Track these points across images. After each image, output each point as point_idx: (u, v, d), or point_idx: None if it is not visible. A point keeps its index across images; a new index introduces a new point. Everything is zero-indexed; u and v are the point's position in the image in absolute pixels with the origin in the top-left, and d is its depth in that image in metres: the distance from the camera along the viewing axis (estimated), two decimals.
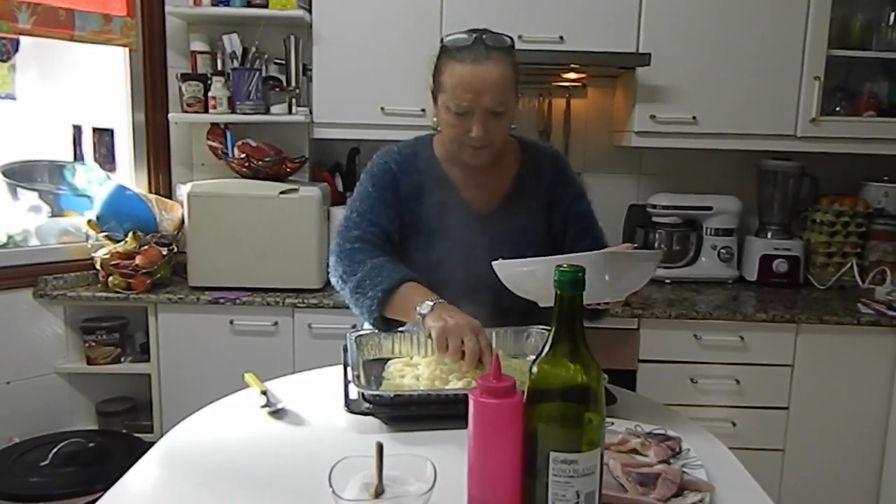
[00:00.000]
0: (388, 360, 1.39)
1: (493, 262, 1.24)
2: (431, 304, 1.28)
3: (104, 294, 2.38)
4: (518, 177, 1.56)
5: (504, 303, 1.43)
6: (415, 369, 1.32)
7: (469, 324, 1.24)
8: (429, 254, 1.50)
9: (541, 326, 1.45)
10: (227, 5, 2.49)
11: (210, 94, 2.51)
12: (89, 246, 2.47)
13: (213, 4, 2.49)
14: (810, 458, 2.38)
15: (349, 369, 1.27)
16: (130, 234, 2.43)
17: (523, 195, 1.56)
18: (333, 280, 1.51)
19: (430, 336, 1.24)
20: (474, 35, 1.41)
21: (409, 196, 1.53)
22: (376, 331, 1.45)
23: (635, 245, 1.25)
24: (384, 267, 1.40)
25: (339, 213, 2.52)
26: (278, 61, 2.62)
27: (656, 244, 2.73)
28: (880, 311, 2.35)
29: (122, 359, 2.49)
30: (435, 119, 1.53)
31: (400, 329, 1.43)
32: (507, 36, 1.44)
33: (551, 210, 1.58)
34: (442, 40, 1.45)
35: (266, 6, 2.49)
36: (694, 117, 2.52)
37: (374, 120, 2.51)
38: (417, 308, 1.29)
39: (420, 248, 1.52)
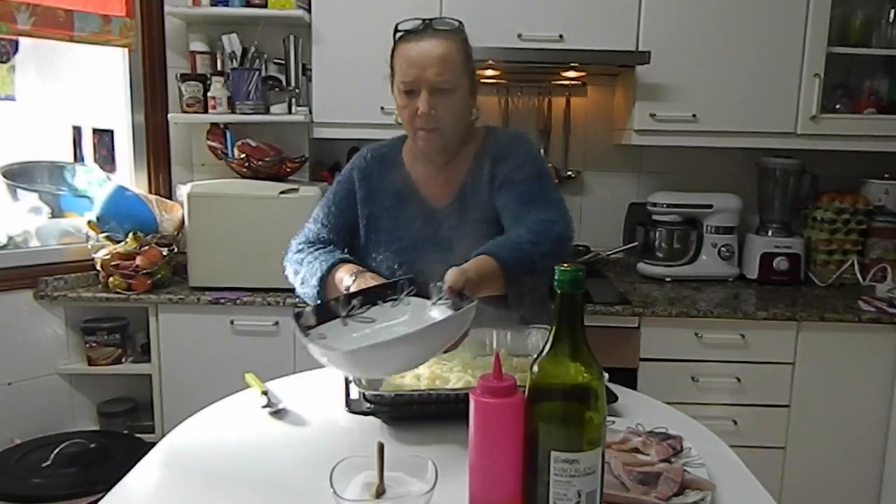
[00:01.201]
0: None
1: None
2: (352, 276, 1.35)
3: (105, 295, 2.38)
4: (471, 169, 1.55)
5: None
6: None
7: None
8: (387, 252, 1.53)
9: (541, 325, 1.45)
10: (227, 5, 2.49)
11: (209, 94, 2.51)
12: (90, 247, 2.47)
13: (213, 4, 2.49)
14: (811, 456, 2.38)
15: None
16: (131, 235, 2.43)
17: (476, 188, 1.53)
18: (289, 279, 1.57)
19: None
20: (423, 21, 1.46)
21: (371, 199, 1.57)
22: None
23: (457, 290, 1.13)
24: (317, 258, 1.47)
25: None
26: (278, 61, 2.62)
27: (657, 242, 2.73)
28: (881, 309, 2.35)
29: (123, 359, 2.49)
30: (397, 114, 1.55)
31: None
32: (457, 20, 1.48)
33: (498, 193, 1.50)
34: (396, 27, 1.49)
35: (265, 6, 2.49)
36: (694, 115, 2.52)
37: (373, 119, 2.50)
38: (342, 282, 1.36)
39: (380, 248, 1.55)
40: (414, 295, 1.22)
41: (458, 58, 1.44)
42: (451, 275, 1.16)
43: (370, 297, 1.22)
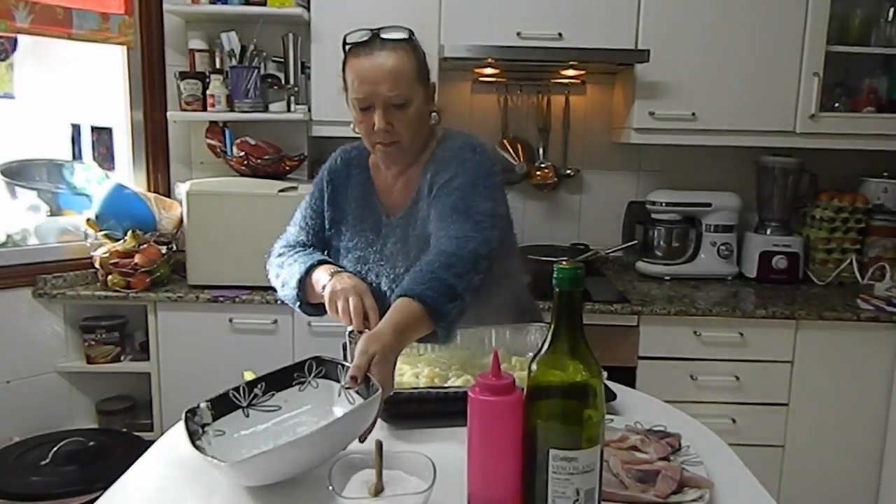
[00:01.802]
0: None
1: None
2: (329, 276, 1.36)
3: (103, 293, 2.38)
4: (420, 177, 1.48)
5: None
6: (413, 367, 1.32)
7: (354, 287, 1.31)
8: (345, 261, 1.53)
9: (540, 323, 1.45)
10: (226, 3, 2.48)
11: (208, 92, 2.50)
12: (88, 245, 2.46)
13: (212, 2, 2.49)
14: (810, 455, 2.38)
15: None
16: (129, 233, 2.42)
17: (420, 199, 1.47)
18: (272, 283, 1.58)
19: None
20: (371, 32, 1.43)
21: (335, 204, 1.57)
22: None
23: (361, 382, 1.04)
24: (297, 260, 1.48)
25: None
26: (276, 59, 2.62)
27: (656, 240, 2.73)
28: (880, 307, 2.35)
29: (122, 357, 2.49)
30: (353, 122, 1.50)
31: None
32: (406, 28, 1.44)
33: (430, 204, 1.43)
34: (344, 38, 1.46)
35: (264, 4, 2.48)
36: (693, 114, 2.52)
37: None
38: (319, 283, 1.38)
39: (339, 255, 1.55)
40: (322, 376, 1.15)
41: (410, 69, 1.40)
42: (356, 359, 1.05)
43: (276, 381, 1.15)
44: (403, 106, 1.39)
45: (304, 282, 1.43)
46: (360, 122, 1.43)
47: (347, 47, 1.45)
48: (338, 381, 1.12)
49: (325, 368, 1.15)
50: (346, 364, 1.12)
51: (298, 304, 1.48)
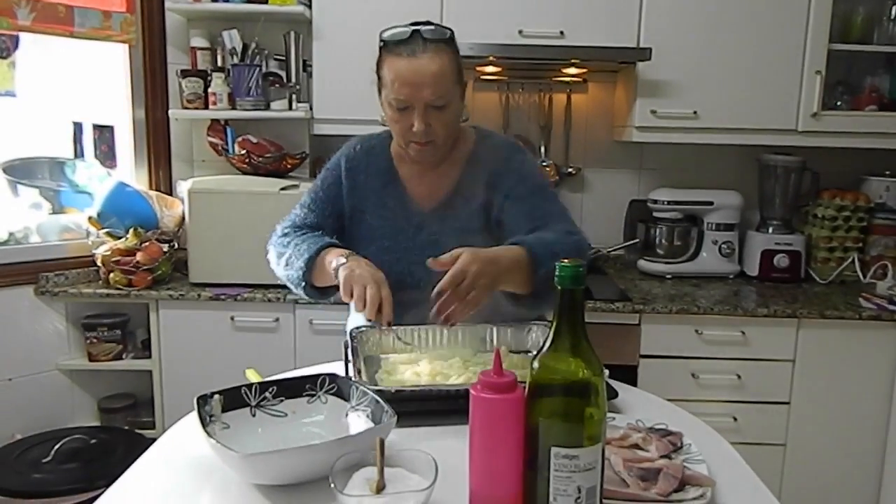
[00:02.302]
0: (389, 356, 1.39)
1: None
2: (344, 258, 1.33)
3: (105, 291, 2.39)
4: (462, 174, 1.51)
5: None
6: (415, 365, 1.32)
7: (372, 275, 1.28)
8: (369, 249, 1.48)
9: (542, 322, 1.45)
10: (227, 1, 2.48)
11: (210, 90, 2.51)
12: (90, 243, 2.47)
13: (213, 0, 2.49)
14: (811, 453, 2.38)
15: (350, 365, 1.27)
16: (131, 231, 2.43)
17: (468, 191, 1.50)
18: (271, 264, 1.54)
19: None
20: (412, 28, 1.39)
21: (356, 192, 1.53)
22: (376, 326, 1.45)
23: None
24: (305, 240, 1.44)
25: None
26: (278, 57, 2.62)
27: (657, 239, 2.73)
28: (881, 306, 2.35)
29: (124, 355, 2.49)
30: (383, 115, 1.51)
31: (400, 325, 1.42)
32: (447, 28, 1.42)
33: (492, 204, 1.49)
34: (381, 35, 1.43)
35: (266, 2, 2.48)
36: (695, 112, 2.51)
37: (374, 116, 2.47)
38: (332, 263, 1.34)
39: (362, 244, 1.51)
40: (333, 393, 1.15)
41: (451, 71, 1.39)
42: (454, 272, 1.18)
43: (287, 388, 1.14)
44: (443, 107, 1.38)
45: (314, 261, 1.40)
46: (395, 121, 1.41)
47: (383, 44, 1.42)
48: (347, 401, 1.13)
49: (338, 386, 1.15)
50: (360, 384, 1.13)
51: (304, 284, 1.43)
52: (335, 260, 1.34)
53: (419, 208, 1.52)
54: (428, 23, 1.41)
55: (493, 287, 1.24)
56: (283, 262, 1.47)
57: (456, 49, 1.43)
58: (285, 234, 1.52)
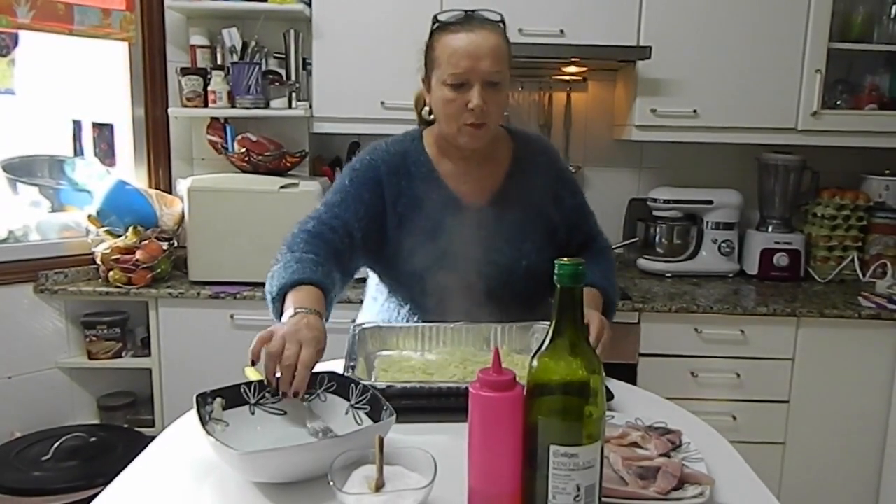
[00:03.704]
0: (388, 352, 1.39)
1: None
2: (294, 311, 1.18)
3: (105, 289, 2.39)
4: (511, 169, 1.53)
5: (504, 297, 1.44)
6: (409, 362, 1.33)
7: (308, 337, 1.11)
8: (423, 254, 1.44)
9: (545, 322, 1.45)
10: None
11: (210, 88, 2.50)
12: (90, 241, 2.47)
13: None
14: (811, 452, 2.39)
15: (345, 361, 1.27)
16: (131, 229, 2.43)
17: (517, 188, 1.52)
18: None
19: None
20: (465, 12, 1.42)
21: (397, 197, 1.47)
22: (380, 324, 1.45)
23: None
24: (300, 262, 1.31)
25: None
26: (278, 55, 2.61)
27: (657, 238, 2.73)
28: (881, 305, 2.35)
29: (123, 353, 2.50)
30: (427, 109, 1.50)
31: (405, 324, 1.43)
32: (498, 13, 1.44)
33: (553, 204, 1.55)
34: (435, 18, 1.44)
35: (265, 0, 2.48)
36: (695, 111, 2.51)
37: (374, 114, 2.50)
38: (287, 312, 1.21)
39: (414, 249, 1.46)
40: (332, 392, 1.14)
41: (505, 51, 1.40)
42: (597, 324, 1.33)
43: None
44: (498, 86, 1.37)
45: (285, 296, 1.27)
46: (450, 100, 1.37)
47: (437, 25, 1.42)
48: (347, 399, 1.12)
49: (337, 384, 1.15)
50: (361, 381, 1.13)
51: (271, 309, 1.33)
52: (288, 310, 1.21)
53: (467, 207, 1.48)
54: (485, 9, 1.43)
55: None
56: (270, 272, 1.37)
57: (507, 35, 1.44)
58: (298, 239, 1.40)
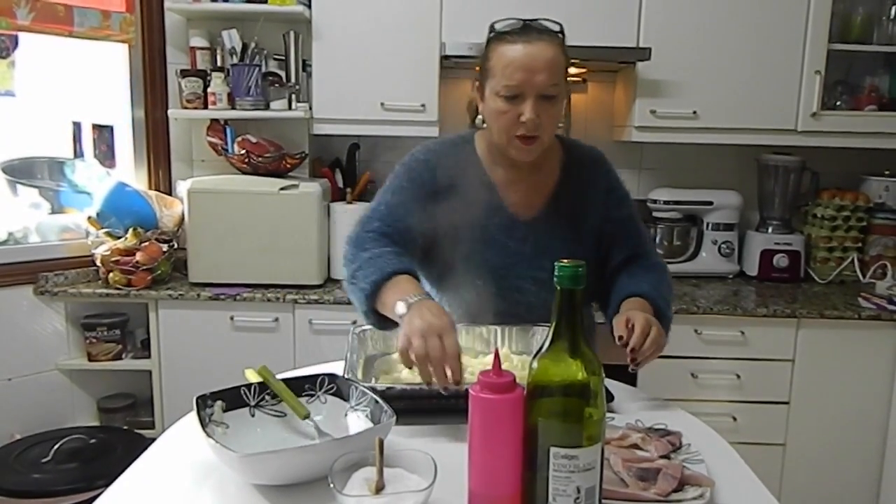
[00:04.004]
0: (388, 354, 1.39)
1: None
2: (407, 303, 1.17)
3: (105, 290, 2.38)
4: (561, 181, 1.48)
5: (544, 314, 1.42)
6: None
7: (440, 326, 1.11)
8: (465, 262, 1.42)
9: (545, 324, 1.44)
10: (227, 1, 2.48)
11: (209, 90, 2.50)
12: (90, 242, 2.47)
13: (213, 0, 2.49)
14: (811, 453, 2.38)
15: (345, 364, 1.27)
16: (131, 231, 2.43)
17: (566, 201, 1.48)
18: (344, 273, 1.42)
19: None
20: (524, 22, 1.38)
21: (448, 199, 1.43)
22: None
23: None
24: (382, 257, 1.31)
25: (339, 208, 2.52)
26: (278, 57, 2.61)
27: (657, 239, 2.73)
28: (881, 306, 2.35)
29: (123, 355, 2.49)
30: (480, 118, 1.45)
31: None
32: (557, 22, 1.40)
33: (600, 218, 1.50)
34: (492, 26, 1.40)
35: (265, 2, 2.48)
36: (694, 112, 2.51)
37: (374, 116, 2.50)
38: (396, 307, 1.19)
39: (456, 255, 1.43)
40: (332, 393, 1.14)
41: (562, 64, 1.35)
42: (642, 322, 1.28)
43: (287, 388, 1.13)
44: (553, 99, 1.33)
45: (379, 289, 1.26)
46: (502, 112, 1.34)
47: (494, 34, 1.39)
48: (347, 401, 1.12)
49: (337, 386, 1.15)
50: (361, 383, 1.13)
51: (364, 310, 1.32)
52: (397, 306, 1.19)
53: (516, 219, 1.46)
54: (545, 19, 1.40)
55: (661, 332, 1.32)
56: (349, 272, 1.36)
57: (565, 47, 1.39)
58: (367, 238, 1.38)
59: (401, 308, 1.17)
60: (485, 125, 1.44)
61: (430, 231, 1.42)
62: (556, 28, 1.38)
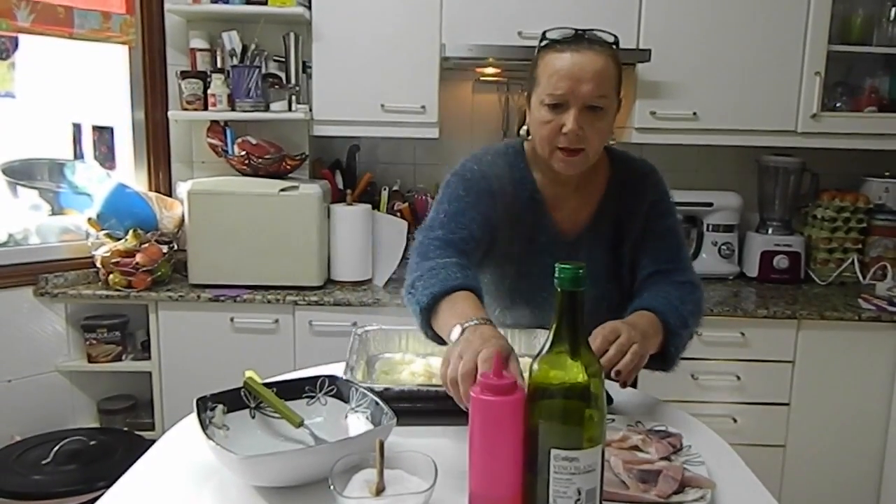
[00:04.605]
0: (388, 355, 1.39)
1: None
2: (462, 328, 1.06)
3: (105, 292, 2.38)
4: (605, 198, 1.44)
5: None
6: (410, 365, 1.33)
7: (469, 346, 0.99)
8: (507, 279, 1.41)
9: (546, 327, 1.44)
10: (227, 3, 2.48)
11: (209, 91, 2.50)
12: (90, 244, 2.47)
13: (213, 2, 2.48)
14: (811, 455, 2.38)
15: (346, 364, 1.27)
16: (131, 232, 2.43)
17: (610, 218, 1.44)
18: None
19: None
20: (576, 31, 1.33)
21: (507, 216, 1.40)
22: (383, 326, 1.44)
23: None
24: (445, 268, 1.23)
25: (339, 210, 2.52)
26: (278, 58, 2.61)
27: None
28: (881, 307, 2.35)
29: (123, 357, 2.49)
30: (525, 128, 1.41)
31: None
32: (612, 34, 1.35)
33: (640, 230, 1.44)
34: (543, 34, 1.36)
35: (265, 3, 2.48)
36: (694, 113, 2.51)
37: (374, 117, 2.50)
38: (452, 332, 1.08)
39: (499, 271, 1.42)
40: (332, 395, 1.14)
41: (613, 76, 1.31)
42: (599, 339, 1.11)
43: (287, 390, 1.13)
44: (599, 111, 1.29)
45: (437, 304, 1.19)
46: (545, 121, 1.30)
47: (545, 42, 1.35)
48: (347, 402, 1.12)
49: (338, 388, 1.15)
50: (361, 385, 1.12)
51: (419, 321, 1.25)
52: (454, 329, 1.08)
53: (563, 236, 1.43)
54: (599, 29, 1.36)
55: (645, 342, 1.17)
56: (409, 281, 1.29)
57: (618, 58, 1.34)
58: (433, 247, 1.32)
59: (455, 334, 1.07)
60: (530, 137, 1.40)
61: (489, 239, 1.39)
62: (611, 39, 1.34)
